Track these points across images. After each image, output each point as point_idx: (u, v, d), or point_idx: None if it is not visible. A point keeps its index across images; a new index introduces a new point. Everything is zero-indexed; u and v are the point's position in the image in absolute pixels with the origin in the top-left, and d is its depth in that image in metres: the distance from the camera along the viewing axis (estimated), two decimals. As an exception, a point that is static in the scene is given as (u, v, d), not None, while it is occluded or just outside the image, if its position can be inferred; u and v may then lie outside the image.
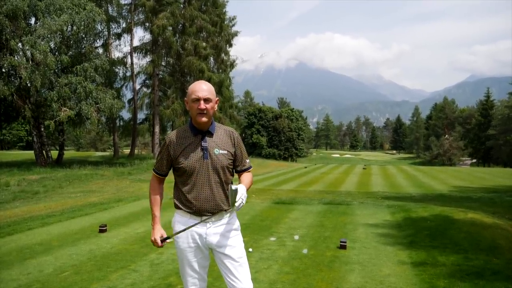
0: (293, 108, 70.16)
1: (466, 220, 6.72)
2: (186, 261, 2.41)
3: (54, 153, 25.58)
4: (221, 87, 30.98)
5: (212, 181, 2.32)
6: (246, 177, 2.43)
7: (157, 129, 28.61)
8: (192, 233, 2.36)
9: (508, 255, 4.69)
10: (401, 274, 4.12)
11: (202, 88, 2.29)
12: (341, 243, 5.15)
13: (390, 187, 14.95)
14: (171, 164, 2.42)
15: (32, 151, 24.31)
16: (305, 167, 29.95)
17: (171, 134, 2.43)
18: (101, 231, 6.18)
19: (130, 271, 4.31)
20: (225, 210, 2.37)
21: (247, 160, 2.48)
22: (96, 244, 5.49)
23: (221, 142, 2.37)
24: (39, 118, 22.07)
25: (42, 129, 22.36)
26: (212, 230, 2.35)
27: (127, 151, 41.98)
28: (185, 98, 2.39)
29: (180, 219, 2.40)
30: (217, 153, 2.33)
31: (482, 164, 65.26)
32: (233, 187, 2.17)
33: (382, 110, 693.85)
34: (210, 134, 2.36)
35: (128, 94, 33.04)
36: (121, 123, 33.06)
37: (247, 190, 2.31)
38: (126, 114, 33.45)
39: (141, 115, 34.23)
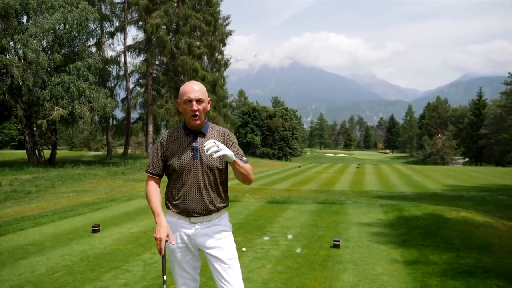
0: (287, 107, 70.23)
1: (458, 218, 6.78)
2: (176, 261, 2.39)
3: (46, 153, 25.38)
4: (215, 86, 30.93)
5: (201, 182, 2.30)
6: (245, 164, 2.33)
7: (150, 128, 28.50)
8: (181, 234, 2.34)
9: (499, 253, 4.74)
10: (394, 272, 4.14)
11: (194, 89, 2.25)
12: (335, 242, 5.17)
13: (383, 186, 15.03)
14: (163, 164, 2.39)
15: (25, 151, 24.08)
16: (299, 166, 30.01)
17: (164, 134, 2.43)
18: (94, 231, 6.15)
19: (123, 271, 4.30)
20: (214, 212, 2.35)
21: (244, 158, 2.39)
22: (89, 244, 5.46)
23: None
24: (32, 117, 21.88)
25: (35, 128, 22.17)
26: (200, 231, 2.33)
27: (120, 150, 41.76)
28: (177, 100, 2.36)
29: (170, 219, 2.39)
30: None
31: (474, 163, 65.78)
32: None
33: (375, 109, 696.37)
34: (203, 135, 2.34)
35: (121, 93, 32.89)
36: (115, 123, 32.87)
37: (242, 169, 2.24)
38: (119, 113, 33.30)
39: (134, 114, 34.06)
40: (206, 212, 2.33)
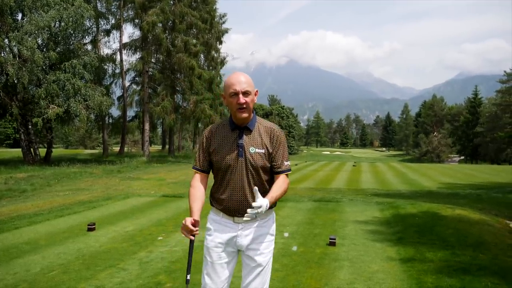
0: (283, 106, 70.44)
1: (453, 216, 6.81)
2: (210, 262, 2.26)
3: (42, 151, 25.26)
4: (212, 84, 30.90)
5: (245, 181, 2.18)
6: (278, 184, 2.20)
7: (147, 126, 28.42)
8: (223, 233, 2.25)
9: (494, 250, 4.76)
10: (390, 270, 4.15)
11: (240, 80, 2.14)
12: (331, 240, 5.17)
13: (379, 184, 15.05)
14: (209, 159, 2.29)
15: (20, 149, 23.99)
16: (296, 164, 30.01)
17: (210, 128, 2.33)
18: (90, 229, 6.12)
19: (119, 269, 4.28)
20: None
21: (286, 163, 2.26)
22: (85, 243, 5.43)
23: (259, 140, 2.22)
24: (27, 115, 21.78)
25: (30, 126, 22.07)
26: (244, 232, 2.23)
27: (116, 148, 41.66)
28: (222, 93, 2.26)
29: (214, 217, 2.31)
30: (252, 151, 2.19)
31: (470, 161, 66.14)
32: (257, 203, 1.99)
33: (372, 107, 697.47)
34: (249, 131, 2.22)
35: (117, 91, 32.89)
36: (111, 121, 32.84)
37: (278, 198, 2.15)
38: (115, 112, 33.27)
39: (130, 113, 34.04)
40: None
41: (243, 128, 2.23)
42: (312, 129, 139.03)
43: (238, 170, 2.19)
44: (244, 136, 2.21)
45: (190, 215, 2.18)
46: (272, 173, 2.29)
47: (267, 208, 2.03)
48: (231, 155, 2.20)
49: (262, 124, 2.27)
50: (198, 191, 2.26)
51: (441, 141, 67.81)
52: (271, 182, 2.29)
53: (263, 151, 2.21)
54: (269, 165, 2.25)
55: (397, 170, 23.34)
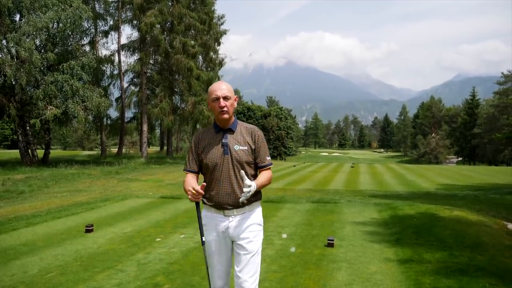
0: (282, 107, 70.38)
1: (451, 217, 6.82)
2: (212, 254, 2.52)
3: (40, 152, 25.20)
4: (210, 86, 30.88)
5: (232, 176, 2.45)
6: (263, 174, 2.52)
7: (145, 127, 28.38)
8: (217, 227, 2.50)
9: (492, 251, 4.77)
10: (388, 271, 4.16)
11: (221, 87, 2.45)
12: (329, 241, 5.18)
13: (377, 185, 15.07)
14: (199, 161, 2.56)
15: (18, 150, 23.92)
16: (294, 166, 30.02)
17: (197, 133, 2.64)
18: (88, 231, 6.12)
19: (117, 271, 4.28)
20: (246, 205, 2.50)
21: (268, 158, 2.58)
22: (82, 244, 5.43)
23: (242, 138, 2.51)
24: (25, 116, 21.72)
25: (28, 127, 22.01)
26: (234, 223, 2.48)
27: (114, 150, 41.59)
28: (207, 100, 2.55)
29: (206, 214, 2.56)
30: (237, 149, 2.46)
31: (467, 162, 66.28)
32: (247, 182, 2.28)
33: (370, 109, 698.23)
34: (231, 131, 2.52)
35: (115, 93, 32.78)
36: (109, 122, 32.74)
37: (263, 186, 2.47)
38: (113, 113, 33.18)
39: (129, 114, 33.95)
40: (238, 204, 2.46)
41: (227, 130, 2.52)
42: (310, 131, 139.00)
43: (225, 166, 2.46)
44: (228, 136, 2.50)
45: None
46: (256, 168, 2.58)
47: (255, 189, 2.32)
48: (218, 153, 2.48)
49: (243, 126, 2.59)
50: (191, 178, 2.53)
51: (439, 143, 67.92)
52: (255, 177, 2.57)
53: (246, 148, 2.50)
54: (253, 160, 2.54)
55: (395, 171, 23.37)
